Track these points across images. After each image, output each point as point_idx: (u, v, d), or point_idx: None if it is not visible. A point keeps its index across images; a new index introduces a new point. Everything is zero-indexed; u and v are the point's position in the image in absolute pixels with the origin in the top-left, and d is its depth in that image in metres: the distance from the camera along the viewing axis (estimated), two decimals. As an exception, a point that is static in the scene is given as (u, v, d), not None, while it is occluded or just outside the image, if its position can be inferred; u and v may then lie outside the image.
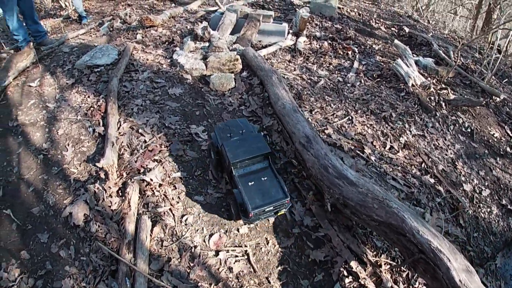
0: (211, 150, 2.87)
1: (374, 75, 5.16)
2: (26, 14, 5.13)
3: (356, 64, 5.41)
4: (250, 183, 2.39)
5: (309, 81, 4.81)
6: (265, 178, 2.44)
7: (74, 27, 6.75)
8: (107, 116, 3.61)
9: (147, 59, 4.73)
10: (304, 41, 5.97)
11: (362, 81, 5.00)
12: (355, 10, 8.85)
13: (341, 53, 5.80)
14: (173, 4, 7.64)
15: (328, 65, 5.37)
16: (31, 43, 5.15)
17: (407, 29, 7.35)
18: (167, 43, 5.15)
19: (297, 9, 7.69)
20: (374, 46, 6.39)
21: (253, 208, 2.23)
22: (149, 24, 5.53)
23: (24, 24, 5.40)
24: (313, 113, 4.13)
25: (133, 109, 3.78)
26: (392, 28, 7.91)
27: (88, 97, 4.09)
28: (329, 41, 6.10)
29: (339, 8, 8.21)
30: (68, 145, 3.34)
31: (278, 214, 2.49)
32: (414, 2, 13.86)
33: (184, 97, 4.00)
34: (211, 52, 4.60)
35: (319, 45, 5.94)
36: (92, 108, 3.89)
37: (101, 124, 3.67)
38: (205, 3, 7.99)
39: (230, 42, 5.22)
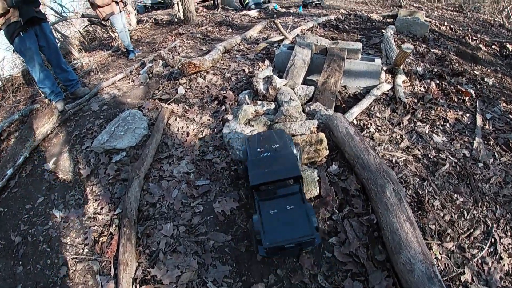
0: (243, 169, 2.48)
1: (510, 143, 3.18)
2: (52, 62, 4.29)
3: (479, 121, 3.47)
4: (272, 211, 1.99)
5: (425, 162, 2.95)
6: (291, 207, 1.99)
7: (120, 63, 5.69)
8: (118, 266, 2.21)
9: (188, 134, 3.27)
10: (404, 82, 4.09)
11: (496, 154, 3.07)
12: (445, 23, 6.87)
13: (456, 99, 3.81)
14: (229, 30, 6.15)
15: (443, 122, 3.44)
16: (53, 103, 4.06)
17: (510, 47, 5.76)
18: (216, 101, 3.61)
19: (382, 30, 5.71)
20: (486, 79, 4.32)
21: (269, 243, 1.82)
22: (194, 71, 4.05)
23: (53, 73, 4.39)
24: (443, 240, 2.32)
25: (158, 248, 2.36)
26: (493, 46, 6.05)
27: (101, 209, 2.78)
28: (437, 81, 4.14)
29: (425, 21, 6.46)
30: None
31: (303, 251, 2.05)
32: (498, 6, 11.09)
33: (238, 219, 2.45)
34: (279, 123, 2.96)
35: (425, 87, 4.03)
36: (102, 237, 2.53)
37: (112, 273, 2.28)
38: (267, 27, 6.36)
39: (305, 97, 3.52)
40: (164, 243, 2.38)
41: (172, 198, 2.66)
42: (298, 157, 2.41)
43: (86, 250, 2.58)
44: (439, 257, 2.20)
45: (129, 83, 4.73)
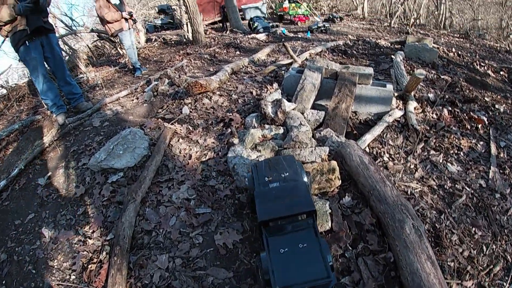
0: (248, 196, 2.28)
1: (526, 172, 3.06)
2: (57, 74, 4.23)
3: (493, 149, 3.35)
4: (282, 250, 1.77)
5: (441, 193, 2.78)
6: (304, 245, 1.78)
7: (126, 80, 5.59)
8: (105, 300, 1.97)
9: (190, 156, 3.09)
10: (415, 108, 3.98)
11: (512, 184, 2.89)
12: (453, 50, 6.87)
13: (469, 127, 3.69)
14: (237, 52, 6.11)
15: (457, 151, 3.30)
16: (53, 115, 3.93)
17: None
18: (222, 123, 3.47)
19: (392, 56, 5.67)
20: (497, 105, 4.23)
21: (281, 285, 1.60)
22: (200, 91, 3.94)
23: (57, 86, 4.31)
24: (462, 278, 2.12)
25: (151, 282, 2.15)
26: (501, 72, 6.03)
27: (92, 232, 2.57)
28: (449, 108, 4.03)
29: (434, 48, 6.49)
30: None
31: None
32: (503, 33, 11.29)
33: (242, 253, 2.23)
34: (288, 149, 2.79)
35: (437, 114, 3.92)
36: (91, 264, 2.31)
37: (98, 305, 2.05)
38: (275, 51, 6.33)
39: (315, 122, 3.37)
40: (158, 276, 2.16)
41: (169, 226, 2.46)
42: (309, 187, 2.23)
43: (73, 277, 2.36)
44: None
45: (133, 100, 4.62)
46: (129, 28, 5.81)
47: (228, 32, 9.90)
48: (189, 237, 2.37)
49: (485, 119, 3.80)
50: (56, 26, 8.93)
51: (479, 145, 3.39)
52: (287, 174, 2.15)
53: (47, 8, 3.93)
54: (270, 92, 4.12)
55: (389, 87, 3.89)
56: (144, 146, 3.14)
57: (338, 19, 12.44)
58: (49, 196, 3.09)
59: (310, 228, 1.92)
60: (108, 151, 3.06)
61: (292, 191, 2.01)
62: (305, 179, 2.15)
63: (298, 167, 2.23)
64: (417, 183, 2.83)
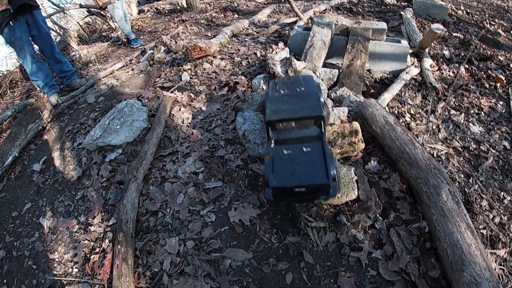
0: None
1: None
2: (45, 52, 3.89)
3: None
4: (286, 151, 1.80)
5: (467, 155, 2.49)
6: (308, 150, 1.79)
7: (120, 53, 5.22)
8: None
9: (194, 126, 2.77)
10: (431, 66, 3.62)
11: (538, 145, 2.63)
12: (461, 8, 6.45)
13: (487, 85, 3.38)
14: (235, 15, 5.62)
15: (477, 111, 3.01)
16: (45, 96, 3.63)
17: None
18: (226, 88, 3.09)
19: (401, 13, 5.20)
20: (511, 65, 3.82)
21: (277, 183, 1.66)
22: (199, 55, 3.53)
23: (47, 65, 3.98)
24: (495, 246, 1.89)
25: (162, 269, 1.88)
26: None
27: (93, 218, 2.30)
28: (466, 65, 3.68)
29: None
30: None
31: (315, 201, 1.88)
32: None
33: (260, 230, 1.93)
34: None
35: (453, 72, 3.59)
36: (94, 255, 2.05)
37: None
38: (276, 11, 5.81)
39: (329, 81, 2.98)
40: (168, 262, 1.89)
41: (177, 205, 2.16)
42: (322, 101, 2.05)
43: (75, 270, 2.11)
44: (493, 267, 1.71)
45: (128, 72, 4.25)
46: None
47: (224, -5, 9.23)
48: (200, 216, 2.08)
49: (503, 77, 3.48)
50: (43, 6, 8.44)
51: (499, 105, 3.10)
52: (303, 88, 2.13)
53: None
54: (277, 52, 3.71)
55: (404, 42, 3.50)
56: (142, 118, 2.81)
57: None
58: (45, 182, 2.83)
59: (317, 136, 1.89)
60: (103, 127, 2.74)
61: (303, 99, 2.00)
62: (321, 98, 2.07)
63: (315, 84, 2.19)
64: (442, 145, 2.54)
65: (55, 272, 2.15)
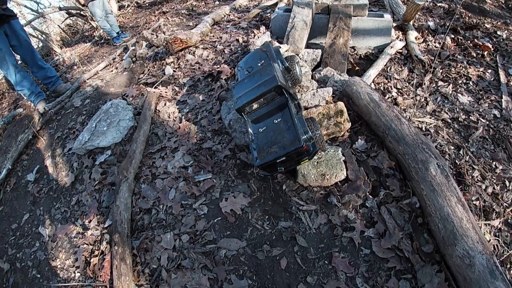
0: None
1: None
2: (27, 60, 3.86)
3: (503, 77, 3.01)
4: (261, 129, 1.96)
5: (456, 126, 2.47)
6: (279, 120, 1.92)
7: (105, 52, 5.17)
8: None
9: (180, 120, 2.75)
10: (416, 38, 3.56)
11: (528, 112, 2.59)
12: None
13: (474, 54, 3.29)
14: (216, 2, 5.52)
15: (465, 80, 2.95)
16: (32, 104, 3.62)
17: None
18: (210, 78, 3.06)
19: None
20: (499, 32, 3.75)
21: (260, 162, 1.81)
22: (181, 47, 3.49)
23: (30, 73, 3.96)
24: (489, 217, 1.90)
25: (160, 265, 1.91)
26: None
27: (89, 222, 2.32)
28: (451, 35, 3.61)
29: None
30: None
31: (301, 163, 1.89)
32: None
33: (252, 218, 1.95)
34: (286, 93, 2.40)
35: (439, 43, 3.50)
36: (93, 258, 2.08)
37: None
38: (257, -6, 5.69)
39: (313, 62, 2.95)
40: (165, 258, 1.92)
41: (169, 201, 2.18)
42: (281, 67, 2.18)
43: (78, 274, 2.15)
44: (488, 238, 1.79)
45: (112, 71, 4.21)
46: None
47: (204, -18, 9.03)
48: (192, 209, 2.09)
49: (490, 45, 3.40)
50: (21, 13, 8.27)
51: (487, 74, 3.03)
52: (263, 61, 2.21)
53: None
54: (258, 37, 3.65)
55: (387, 16, 3.44)
56: (128, 117, 2.80)
57: None
58: (40, 191, 2.85)
59: (282, 104, 1.98)
60: (91, 131, 2.73)
61: (261, 74, 2.06)
62: (279, 63, 2.19)
63: (271, 51, 2.27)
64: (430, 118, 2.52)
65: (58, 279, 2.19)
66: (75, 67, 5.07)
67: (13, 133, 3.68)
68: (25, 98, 3.96)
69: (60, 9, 7.42)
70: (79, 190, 2.62)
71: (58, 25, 8.12)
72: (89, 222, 2.34)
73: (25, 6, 8.61)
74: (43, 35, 7.85)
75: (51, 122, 3.64)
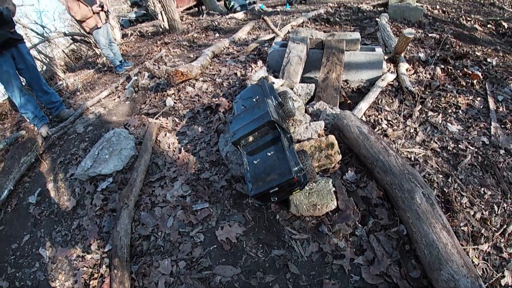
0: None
1: (528, 125, 2.91)
2: (33, 84, 3.98)
3: (492, 104, 3.17)
4: (255, 161, 2.08)
5: (445, 155, 2.62)
6: (272, 153, 2.06)
7: (107, 79, 5.35)
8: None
9: (180, 150, 2.93)
10: (407, 70, 3.78)
11: (515, 138, 2.76)
12: (437, 7, 6.81)
13: (464, 83, 3.49)
14: (217, 34, 5.83)
15: (455, 109, 3.13)
16: (35, 127, 3.76)
17: (506, 25, 5.56)
18: (208, 110, 3.27)
19: (376, 19, 5.41)
20: (489, 59, 3.99)
21: (254, 193, 1.93)
22: (182, 80, 3.72)
23: (35, 97, 4.11)
24: (477, 242, 2.01)
25: (156, 290, 1.97)
26: (489, 25, 5.80)
27: (89, 246, 2.43)
28: (441, 66, 3.83)
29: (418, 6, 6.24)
30: None
31: (294, 193, 2.02)
32: None
33: (247, 246, 2.09)
34: (281, 128, 2.59)
35: (430, 73, 3.72)
36: (93, 280, 2.19)
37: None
38: (255, 28, 6.03)
39: (307, 96, 3.18)
40: (163, 283, 2.04)
41: (167, 228, 2.31)
42: (274, 103, 2.35)
43: (76, 297, 2.23)
44: (476, 262, 1.89)
45: (114, 99, 4.40)
46: (105, 23, 5.48)
47: (204, 15, 9.50)
48: (189, 237, 2.23)
49: (480, 73, 3.61)
50: (27, 36, 8.56)
51: (476, 101, 3.22)
52: (257, 97, 2.38)
53: (12, 18, 3.67)
54: (255, 71, 3.90)
55: (378, 50, 3.67)
56: (130, 146, 2.96)
57: (315, -12, 11.89)
58: (41, 213, 2.95)
59: (276, 138, 2.11)
60: (93, 158, 2.88)
61: (255, 109, 2.23)
62: (273, 99, 2.36)
63: (265, 88, 2.44)
64: (419, 148, 2.68)
65: (57, 301, 2.27)
66: (78, 93, 5.26)
67: (16, 155, 3.80)
68: (28, 121, 4.07)
69: (66, 34, 7.70)
70: (80, 214, 2.74)
71: (63, 50, 8.38)
72: (90, 246, 2.44)
73: (31, 30, 8.93)
74: (47, 59, 8.08)
75: (54, 147, 3.77)
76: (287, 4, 8.91)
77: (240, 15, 8.17)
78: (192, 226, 2.29)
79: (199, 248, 2.15)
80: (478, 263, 1.90)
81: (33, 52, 7.56)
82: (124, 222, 2.30)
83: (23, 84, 3.97)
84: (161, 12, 7.89)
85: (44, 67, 7.64)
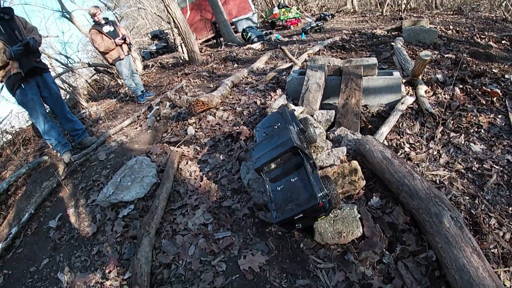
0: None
1: (551, 140, 2.84)
2: (57, 112, 4.12)
3: None
4: (278, 187, 2.07)
5: (470, 176, 2.55)
6: (295, 179, 2.03)
7: (129, 109, 5.50)
8: None
9: (201, 178, 2.94)
10: (426, 92, 3.77)
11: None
12: (450, 27, 6.85)
13: (484, 101, 3.44)
14: (235, 65, 6.01)
15: (477, 129, 3.08)
16: (57, 153, 3.84)
17: None
18: (230, 138, 3.31)
19: (392, 43, 5.50)
20: (506, 75, 3.93)
21: (278, 219, 1.92)
22: (202, 109, 3.80)
23: (58, 124, 4.22)
24: (508, 263, 1.91)
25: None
26: (503, 41, 5.78)
27: (109, 272, 2.41)
28: (460, 85, 3.80)
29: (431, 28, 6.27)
30: None
31: (318, 219, 1.99)
32: (496, 1, 11.09)
33: (270, 276, 2.04)
34: (302, 156, 2.60)
35: (449, 94, 3.69)
36: (110, 309, 2.13)
37: None
38: (273, 57, 6.21)
39: (327, 122, 3.19)
40: (183, 317, 1.97)
41: (189, 256, 2.28)
42: (296, 129, 2.34)
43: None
44: (508, 285, 1.81)
45: (136, 128, 4.51)
46: (127, 54, 5.74)
47: (223, 46, 9.86)
48: (211, 266, 2.19)
49: (499, 91, 3.57)
50: (52, 66, 9.00)
51: (498, 119, 3.16)
52: (279, 124, 2.40)
53: (38, 48, 3.87)
54: (275, 99, 3.98)
55: (396, 74, 3.70)
56: (152, 174, 3.00)
57: (330, 16, 12.31)
58: (61, 238, 2.97)
59: (298, 164, 2.10)
60: (115, 185, 2.92)
61: (278, 136, 2.23)
62: (294, 126, 2.36)
63: (287, 115, 2.46)
64: (444, 170, 2.63)
65: (74, 329, 2.22)
66: (101, 122, 5.42)
67: (38, 180, 3.88)
68: (51, 147, 4.18)
69: (89, 65, 8.06)
70: (100, 240, 2.74)
71: (86, 80, 8.75)
72: (109, 272, 2.42)
73: (56, 60, 9.39)
74: (71, 88, 8.42)
75: (76, 173, 3.85)
76: (303, 33, 9.18)
77: (257, 45, 8.44)
78: (214, 254, 2.26)
79: (221, 277, 2.11)
80: (510, 286, 1.82)
81: (58, 81, 7.92)
82: (145, 249, 2.29)
83: (47, 111, 4.10)
84: (181, 44, 8.24)
85: (68, 96, 7.95)
